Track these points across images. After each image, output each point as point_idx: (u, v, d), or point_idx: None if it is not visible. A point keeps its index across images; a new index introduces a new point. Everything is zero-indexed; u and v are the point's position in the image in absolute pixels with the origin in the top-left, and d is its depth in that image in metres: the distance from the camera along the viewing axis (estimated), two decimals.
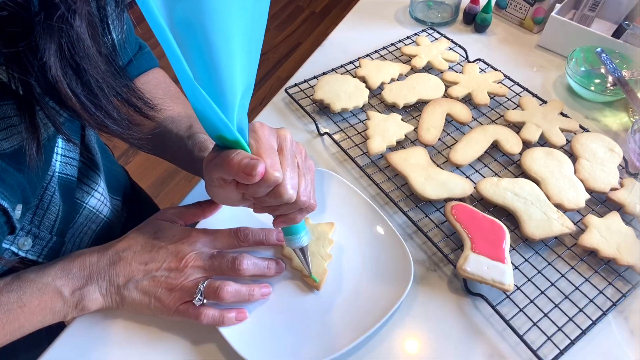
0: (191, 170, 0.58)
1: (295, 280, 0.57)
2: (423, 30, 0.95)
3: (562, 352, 0.52)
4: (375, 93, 0.81)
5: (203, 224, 0.59)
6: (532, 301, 0.56)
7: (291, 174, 0.45)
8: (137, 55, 0.63)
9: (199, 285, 0.51)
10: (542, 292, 0.57)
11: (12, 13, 0.30)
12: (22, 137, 0.38)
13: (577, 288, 0.58)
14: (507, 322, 0.54)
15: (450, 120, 0.77)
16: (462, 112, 0.75)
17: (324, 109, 0.79)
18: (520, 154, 0.70)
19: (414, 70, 0.85)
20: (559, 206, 0.63)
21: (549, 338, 0.53)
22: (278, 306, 0.55)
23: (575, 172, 0.67)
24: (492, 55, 0.90)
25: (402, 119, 0.75)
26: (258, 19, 0.38)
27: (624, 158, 0.70)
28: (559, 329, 0.54)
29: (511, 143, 0.71)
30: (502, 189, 0.64)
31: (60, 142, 0.51)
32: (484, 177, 0.69)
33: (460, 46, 0.90)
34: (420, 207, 0.66)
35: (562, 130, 0.73)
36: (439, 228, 0.63)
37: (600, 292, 0.57)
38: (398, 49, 0.90)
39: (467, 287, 0.57)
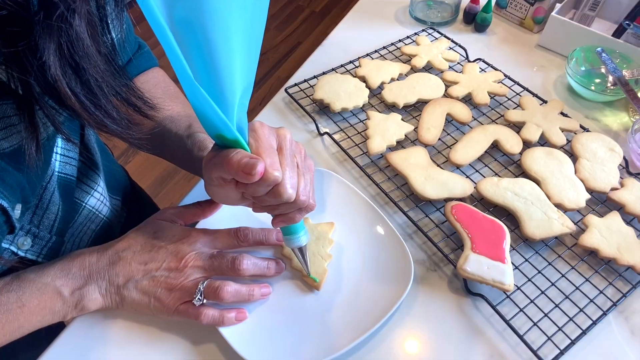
0: (190, 169, 0.58)
1: (295, 280, 0.57)
2: (423, 30, 0.94)
3: (562, 352, 0.52)
4: (375, 93, 0.81)
5: (203, 223, 0.59)
6: (532, 301, 0.56)
7: (290, 173, 0.45)
8: (137, 54, 0.63)
9: (198, 285, 0.51)
10: (543, 292, 0.57)
11: (11, 12, 0.30)
12: (21, 137, 0.38)
13: (577, 288, 0.58)
14: (507, 322, 0.54)
15: (450, 120, 0.76)
16: (462, 112, 0.75)
17: (324, 108, 0.79)
18: (521, 153, 0.70)
19: (414, 70, 0.85)
20: (559, 206, 0.63)
21: (549, 338, 0.53)
22: (278, 306, 0.55)
23: (575, 172, 0.67)
24: (493, 55, 0.90)
25: (402, 119, 0.75)
26: (258, 18, 0.38)
27: (624, 158, 0.70)
28: (559, 329, 0.54)
29: (511, 143, 0.71)
30: (502, 188, 0.64)
31: (59, 141, 0.51)
32: (484, 177, 0.69)
33: (460, 46, 0.90)
34: (421, 207, 0.65)
35: (563, 130, 0.73)
36: (439, 228, 0.63)
37: (601, 292, 0.57)
38: (398, 48, 0.90)
39: (467, 287, 0.57)
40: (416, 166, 0.67)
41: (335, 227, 0.61)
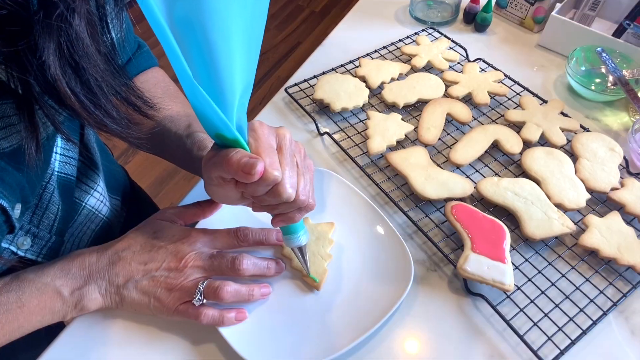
0: (190, 169, 0.58)
1: (295, 280, 0.57)
2: (423, 30, 0.94)
3: (562, 352, 0.52)
4: (375, 92, 0.81)
5: (203, 223, 0.59)
6: (532, 301, 0.56)
7: (290, 173, 0.45)
8: (136, 54, 0.62)
9: (198, 285, 0.51)
10: (543, 292, 0.57)
11: (11, 12, 0.29)
12: (21, 136, 0.38)
13: (577, 288, 0.57)
14: (507, 322, 0.54)
15: (450, 119, 0.76)
16: (463, 112, 0.75)
17: (323, 108, 0.79)
18: (521, 153, 0.70)
19: (414, 69, 0.84)
20: (559, 206, 0.63)
21: (549, 338, 0.53)
22: (278, 306, 0.55)
23: (575, 172, 0.67)
24: (493, 54, 0.90)
25: (402, 119, 0.75)
26: (258, 17, 0.38)
27: (624, 158, 0.70)
28: (560, 329, 0.54)
29: (511, 143, 0.71)
30: (502, 188, 0.64)
31: (59, 141, 0.51)
32: (484, 176, 0.69)
33: (460, 46, 0.89)
34: (421, 206, 0.65)
35: (563, 130, 0.73)
36: (439, 228, 0.63)
37: (601, 292, 0.57)
38: (398, 48, 0.90)
39: (468, 287, 0.57)
40: (416, 166, 0.67)
41: (335, 227, 0.61)
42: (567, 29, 0.88)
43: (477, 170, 0.70)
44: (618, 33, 0.87)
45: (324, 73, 0.83)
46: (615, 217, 0.62)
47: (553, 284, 0.58)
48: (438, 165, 0.69)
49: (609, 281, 0.58)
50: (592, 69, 0.84)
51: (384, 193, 0.66)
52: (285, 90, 0.81)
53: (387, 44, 0.90)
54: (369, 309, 0.54)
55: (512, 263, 0.57)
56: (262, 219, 0.61)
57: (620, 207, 0.64)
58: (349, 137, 0.75)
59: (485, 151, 0.71)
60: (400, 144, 0.73)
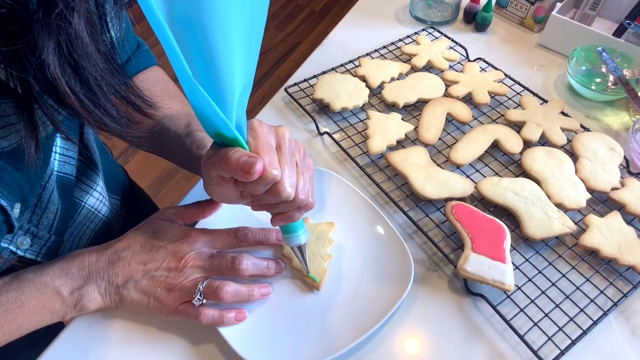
0: (189, 168, 0.58)
1: (295, 280, 0.57)
2: (423, 29, 0.94)
3: (562, 353, 0.52)
4: (376, 92, 0.81)
5: (202, 223, 0.59)
6: (532, 301, 0.56)
7: (289, 172, 0.45)
8: (136, 53, 0.62)
9: (198, 285, 0.51)
10: (543, 292, 0.57)
11: (10, 11, 0.29)
12: (20, 136, 0.38)
13: (577, 288, 0.57)
14: (507, 322, 0.54)
15: (450, 119, 0.76)
16: (463, 112, 0.75)
17: (323, 108, 0.79)
18: (521, 153, 0.70)
19: (414, 69, 0.84)
20: (559, 206, 0.63)
21: (549, 338, 0.53)
22: (278, 306, 0.55)
23: (576, 172, 0.67)
24: (493, 54, 0.90)
25: (402, 118, 0.75)
26: (257, 15, 0.38)
27: (625, 157, 0.70)
28: (560, 329, 0.54)
29: (512, 142, 0.71)
30: (502, 188, 0.64)
31: (58, 140, 0.51)
32: (485, 176, 0.69)
33: (460, 45, 0.89)
34: (421, 206, 0.65)
35: (563, 130, 0.73)
36: (439, 228, 0.63)
37: (601, 292, 0.57)
38: (398, 48, 0.90)
39: (468, 287, 0.57)
40: (416, 166, 0.67)
41: (335, 227, 0.61)
42: (567, 28, 0.88)
43: (477, 170, 0.70)
44: (618, 32, 0.87)
45: (324, 73, 0.83)
46: (615, 217, 0.62)
47: (553, 284, 0.58)
48: (438, 165, 0.69)
49: (609, 281, 0.58)
50: (592, 68, 0.83)
51: (384, 193, 0.66)
52: (285, 89, 0.80)
53: (387, 43, 0.90)
54: (369, 309, 0.54)
55: (513, 263, 0.57)
56: (262, 219, 0.61)
57: (620, 207, 0.64)
58: (349, 136, 0.74)
59: (486, 151, 0.71)
60: (400, 144, 0.73)
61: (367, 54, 0.87)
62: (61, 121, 0.39)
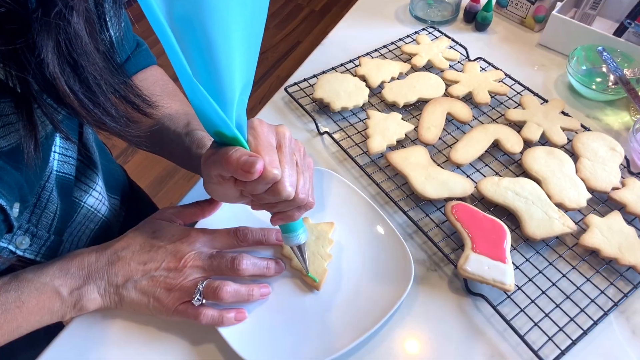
0: (189, 167, 0.58)
1: (295, 280, 0.57)
2: (423, 29, 0.94)
3: (563, 353, 0.51)
4: (376, 92, 0.81)
5: (202, 223, 0.59)
6: (533, 301, 0.56)
7: (290, 171, 0.45)
8: (135, 52, 0.62)
9: (197, 285, 0.51)
10: (543, 292, 0.57)
11: (9, 10, 0.29)
12: (19, 135, 0.38)
13: (578, 288, 0.57)
14: (508, 322, 0.53)
15: (450, 119, 0.76)
16: (463, 111, 0.75)
17: (323, 108, 0.79)
18: (521, 153, 0.70)
19: (414, 69, 0.84)
20: (560, 206, 0.63)
21: (550, 338, 0.53)
22: (277, 306, 0.55)
23: (576, 172, 0.67)
24: (493, 53, 0.90)
25: (402, 118, 0.74)
26: (257, 14, 0.38)
27: (625, 157, 0.70)
28: (560, 329, 0.54)
29: (512, 142, 0.70)
30: (502, 188, 0.64)
31: (58, 140, 0.51)
32: (485, 176, 0.69)
33: (460, 45, 0.89)
34: (421, 206, 0.65)
35: (564, 129, 0.73)
36: (439, 228, 0.63)
37: (602, 292, 0.57)
38: (398, 47, 0.90)
39: (468, 287, 0.57)
40: (416, 165, 0.67)
41: (335, 227, 0.61)
42: (567, 28, 0.88)
43: (477, 170, 0.70)
44: (619, 32, 0.87)
45: (323, 72, 0.83)
46: (616, 217, 0.62)
47: (554, 284, 0.58)
48: (438, 165, 0.69)
49: (609, 281, 0.58)
50: (593, 68, 0.83)
51: (384, 193, 0.66)
52: (285, 89, 0.80)
53: (387, 43, 0.90)
54: (369, 309, 0.54)
55: (513, 263, 0.57)
56: (262, 218, 0.61)
57: (621, 207, 0.64)
58: (348, 136, 0.74)
59: (486, 151, 0.71)
60: (400, 144, 0.73)
61: (367, 54, 0.87)
62: (60, 120, 0.39)
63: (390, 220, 0.61)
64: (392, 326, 0.55)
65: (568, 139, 0.72)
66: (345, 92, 0.77)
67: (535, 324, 0.54)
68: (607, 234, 0.60)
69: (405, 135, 0.72)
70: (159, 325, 0.54)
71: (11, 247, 0.49)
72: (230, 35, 0.36)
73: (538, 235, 0.60)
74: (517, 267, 0.59)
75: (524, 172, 0.68)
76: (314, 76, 0.82)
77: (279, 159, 0.44)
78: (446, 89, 0.80)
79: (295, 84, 0.81)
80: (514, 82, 0.82)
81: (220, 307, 0.52)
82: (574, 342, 0.52)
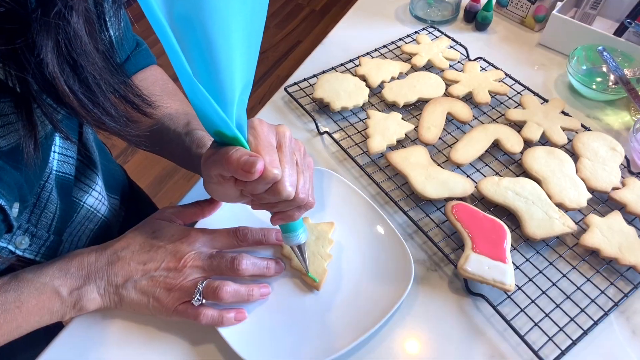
0: (189, 167, 0.58)
1: (295, 280, 0.57)
2: (423, 29, 0.94)
3: (563, 353, 0.51)
4: (376, 92, 0.81)
5: (202, 223, 0.59)
6: (533, 301, 0.56)
7: (290, 171, 0.45)
8: (135, 52, 0.62)
9: (197, 285, 0.51)
10: (544, 292, 0.57)
11: (9, 10, 0.29)
12: (19, 135, 0.38)
13: (578, 288, 0.57)
14: (508, 322, 0.53)
15: (450, 119, 0.76)
16: (463, 111, 0.75)
17: (323, 107, 0.79)
18: (522, 153, 0.70)
19: (414, 68, 0.84)
20: (560, 205, 0.63)
21: (550, 338, 0.53)
22: (277, 306, 0.55)
23: (576, 171, 0.67)
24: (493, 53, 0.90)
25: (402, 118, 0.74)
26: (257, 13, 0.38)
27: (625, 157, 0.69)
28: (561, 329, 0.54)
29: (512, 142, 0.70)
30: (503, 188, 0.64)
31: (57, 140, 0.50)
32: (485, 176, 0.69)
33: (461, 44, 0.89)
34: (421, 206, 0.65)
35: (564, 129, 0.73)
36: (439, 228, 0.63)
37: (602, 292, 0.57)
38: (398, 47, 0.89)
39: (468, 287, 0.57)
40: (416, 165, 0.66)
41: (335, 227, 0.61)
42: (568, 27, 0.88)
43: (477, 170, 0.70)
44: (619, 32, 0.87)
45: (323, 72, 0.83)
46: (616, 217, 0.62)
47: (554, 284, 0.58)
48: (438, 165, 0.69)
49: (610, 281, 0.58)
50: (593, 67, 0.83)
51: (384, 192, 0.66)
52: (285, 89, 0.80)
53: (387, 42, 0.90)
54: (369, 309, 0.54)
55: (513, 263, 0.57)
56: (262, 218, 0.61)
57: (621, 207, 0.64)
58: (348, 136, 0.74)
59: (486, 150, 0.71)
60: (400, 143, 0.73)
61: (367, 53, 0.87)
62: (60, 120, 0.39)
63: (391, 220, 0.60)
64: (392, 326, 0.55)
65: (568, 138, 0.72)
66: (345, 92, 0.77)
67: (536, 324, 0.54)
68: (608, 234, 0.60)
69: (406, 135, 0.72)
70: (159, 325, 0.54)
71: (11, 247, 0.48)
72: (230, 35, 0.36)
73: (538, 235, 0.59)
74: (517, 267, 0.59)
75: (524, 172, 0.68)
76: (314, 76, 0.82)
77: (279, 159, 0.44)
78: (446, 89, 0.80)
79: (295, 83, 0.81)
80: (514, 82, 0.82)
81: (220, 307, 0.52)
82: (574, 342, 0.52)
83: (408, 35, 0.92)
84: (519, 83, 0.81)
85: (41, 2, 0.30)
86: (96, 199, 0.61)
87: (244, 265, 0.52)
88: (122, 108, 0.42)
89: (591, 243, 0.59)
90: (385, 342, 0.53)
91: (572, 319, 0.54)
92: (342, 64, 0.85)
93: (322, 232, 0.60)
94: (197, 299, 0.50)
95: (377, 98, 0.80)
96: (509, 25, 0.98)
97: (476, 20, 0.95)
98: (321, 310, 0.54)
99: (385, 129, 0.72)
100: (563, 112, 0.75)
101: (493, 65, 0.85)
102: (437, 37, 0.92)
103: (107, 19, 0.40)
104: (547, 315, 0.55)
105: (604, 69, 0.82)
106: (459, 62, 0.87)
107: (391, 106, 0.79)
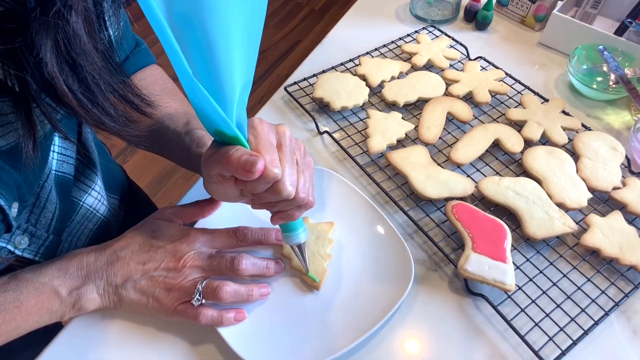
0: (189, 166, 0.58)
1: (295, 280, 0.57)
2: (424, 28, 0.94)
3: (564, 353, 0.51)
4: (376, 91, 0.81)
5: (202, 223, 0.59)
6: (533, 301, 0.56)
7: (290, 170, 0.45)
8: (134, 51, 0.62)
9: (197, 285, 0.51)
10: (544, 292, 0.57)
11: (8, 9, 0.29)
12: (18, 135, 0.38)
13: (579, 288, 0.57)
14: (508, 322, 0.53)
15: (451, 118, 0.76)
16: (463, 111, 0.75)
17: (323, 107, 0.79)
18: (522, 152, 0.70)
19: (414, 68, 0.84)
20: (560, 205, 0.63)
21: (550, 338, 0.53)
22: (277, 306, 0.55)
23: (577, 171, 0.67)
24: (494, 53, 0.90)
25: (402, 118, 0.74)
26: (257, 12, 0.38)
27: (626, 157, 0.69)
28: (561, 329, 0.53)
29: (512, 142, 0.70)
30: (503, 188, 0.64)
31: (57, 139, 0.50)
32: (485, 176, 0.69)
33: (461, 44, 0.89)
34: (421, 206, 0.65)
35: (564, 129, 0.72)
36: (439, 227, 0.63)
37: (603, 292, 0.57)
38: (398, 46, 0.89)
39: (468, 287, 0.57)
40: (417, 165, 0.66)
41: (335, 227, 0.61)
42: (568, 27, 0.87)
43: (478, 170, 0.70)
44: (620, 31, 0.87)
45: (323, 71, 0.83)
46: (617, 217, 0.62)
47: (554, 284, 0.57)
48: (439, 165, 0.68)
49: (610, 281, 0.58)
50: (593, 67, 0.83)
51: (384, 192, 0.66)
52: (285, 88, 0.80)
53: (387, 42, 0.90)
54: (369, 309, 0.54)
55: (513, 263, 0.57)
56: (262, 218, 0.60)
57: (622, 207, 0.64)
58: (348, 136, 0.74)
59: (486, 150, 0.70)
60: (400, 143, 0.72)
61: (367, 53, 0.87)
62: (59, 120, 0.39)
63: (391, 220, 0.60)
64: (392, 326, 0.55)
65: (569, 138, 0.72)
66: (345, 92, 0.77)
67: (536, 324, 0.54)
68: (608, 234, 0.60)
69: (406, 134, 0.72)
70: (158, 326, 0.54)
71: (10, 247, 0.48)
72: (229, 34, 0.36)
73: (539, 235, 0.59)
74: (517, 267, 0.59)
75: (524, 172, 0.68)
76: (314, 75, 0.82)
77: (280, 158, 0.44)
78: (446, 88, 0.79)
79: (295, 83, 0.81)
80: (514, 82, 0.82)
81: (219, 307, 0.52)
82: (574, 342, 0.52)
83: (408, 35, 0.92)
84: (520, 82, 0.81)
85: (40, 1, 0.30)
86: (95, 198, 0.61)
87: (244, 265, 0.52)
88: (122, 108, 0.42)
89: (592, 243, 0.59)
90: (386, 342, 0.53)
91: (572, 319, 0.54)
92: (342, 64, 0.85)
93: (322, 231, 0.60)
94: (197, 299, 0.50)
95: (377, 97, 0.80)
96: (509, 24, 0.98)
97: (476, 19, 0.95)
98: (321, 310, 0.54)
99: (386, 128, 0.72)
100: (563, 112, 0.75)
101: (493, 65, 0.85)
102: (437, 37, 0.92)
103: (106, 19, 0.40)
104: (547, 315, 0.54)
105: (605, 69, 0.82)
106: (459, 61, 0.87)
107: (391, 106, 0.79)
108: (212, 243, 0.54)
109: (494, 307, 0.55)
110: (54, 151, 0.50)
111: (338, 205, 0.63)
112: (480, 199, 0.66)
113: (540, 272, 0.59)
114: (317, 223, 0.61)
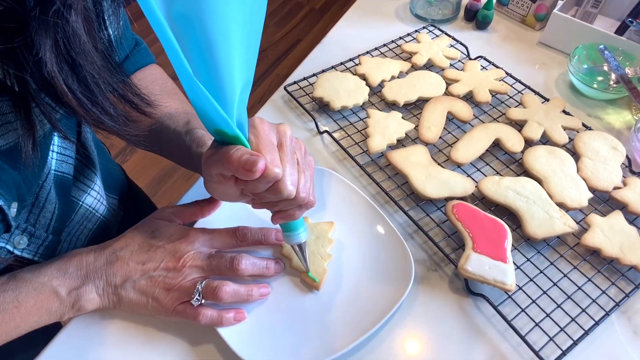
0: (189, 166, 0.58)
1: (295, 280, 0.57)
2: (424, 27, 0.94)
3: (564, 353, 0.51)
4: (376, 91, 0.81)
5: (201, 223, 0.59)
6: (534, 301, 0.55)
7: (291, 170, 0.45)
8: (134, 51, 0.62)
9: (197, 285, 0.50)
10: (544, 292, 0.57)
11: (7, 8, 0.29)
12: (17, 134, 0.38)
13: (579, 288, 0.57)
14: (508, 322, 0.53)
15: (451, 118, 0.76)
16: (463, 110, 0.74)
17: (323, 106, 0.79)
18: (522, 152, 0.70)
19: (414, 67, 0.84)
20: (561, 205, 0.63)
21: (551, 339, 0.52)
22: (277, 306, 0.55)
23: (577, 171, 0.67)
24: (494, 52, 0.90)
25: (402, 117, 0.74)
26: (257, 12, 0.38)
27: (627, 156, 0.69)
28: (562, 329, 0.53)
29: (513, 141, 0.70)
30: (503, 187, 0.64)
31: (56, 139, 0.50)
32: (486, 175, 0.69)
33: (461, 43, 0.89)
34: (421, 206, 0.65)
35: (565, 129, 0.72)
36: (439, 227, 0.63)
37: (603, 292, 0.57)
38: (398, 46, 0.89)
39: (469, 287, 0.57)
40: (417, 165, 0.66)
41: (335, 227, 0.61)
42: (569, 26, 0.87)
43: (478, 169, 0.70)
44: (620, 30, 0.86)
45: (323, 71, 0.83)
46: (617, 217, 0.62)
47: (555, 284, 0.57)
48: (439, 164, 0.68)
49: (611, 281, 0.58)
50: (594, 66, 0.83)
51: (384, 192, 0.66)
52: (285, 88, 0.80)
53: (387, 41, 0.90)
54: (369, 309, 0.53)
55: (514, 263, 0.57)
56: (262, 217, 0.60)
57: (622, 207, 0.64)
58: (348, 135, 0.74)
59: (487, 150, 0.70)
60: (400, 143, 0.72)
61: (367, 52, 0.87)
62: (58, 119, 0.39)
63: (391, 220, 0.60)
64: (392, 326, 0.54)
65: (569, 138, 0.72)
66: (345, 91, 0.77)
67: (537, 324, 0.54)
68: (609, 234, 0.59)
69: (406, 134, 0.72)
70: (158, 326, 0.54)
71: (9, 247, 0.48)
72: (229, 34, 0.36)
73: (539, 234, 0.59)
74: (518, 267, 0.58)
75: (525, 172, 0.68)
76: (314, 75, 0.82)
77: (280, 158, 0.44)
78: (447, 88, 0.79)
79: (295, 82, 0.81)
80: (514, 81, 0.82)
81: (219, 307, 0.52)
82: (575, 343, 0.52)
83: (408, 34, 0.92)
84: (520, 82, 0.81)
85: (40, 0, 0.30)
86: (95, 198, 0.61)
87: (244, 265, 0.52)
88: (121, 107, 0.42)
89: (592, 243, 0.59)
90: (386, 342, 0.53)
91: (573, 319, 0.54)
92: (342, 63, 0.85)
93: (322, 231, 0.60)
94: (196, 299, 0.50)
95: (377, 97, 0.80)
96: (509, 24, 0.98)
97: (477, 18, 0.95)
98: (321, 310, 0.54)
99: (386, 128, 0.72)
100: (564, 111, 0.75)
101: (494, 64, 0.84)
102: (437, 36, 0.91)
103: (106, 18, 0.40)
104: (548, 315, 0.54)
105: (605, 68, 0.82)
106: (459, 61, 0.87)
107: (391, 105, 0.78)
108: (212, 243, 0.54)
109: (495, 307, 0.55)
110: (53, 151, 0.50)
111: (338, 205, 0.63)
112: (480, 199, 0.66)
113: (541, 272, 0.58)
114: (317, 223, 0.61)
